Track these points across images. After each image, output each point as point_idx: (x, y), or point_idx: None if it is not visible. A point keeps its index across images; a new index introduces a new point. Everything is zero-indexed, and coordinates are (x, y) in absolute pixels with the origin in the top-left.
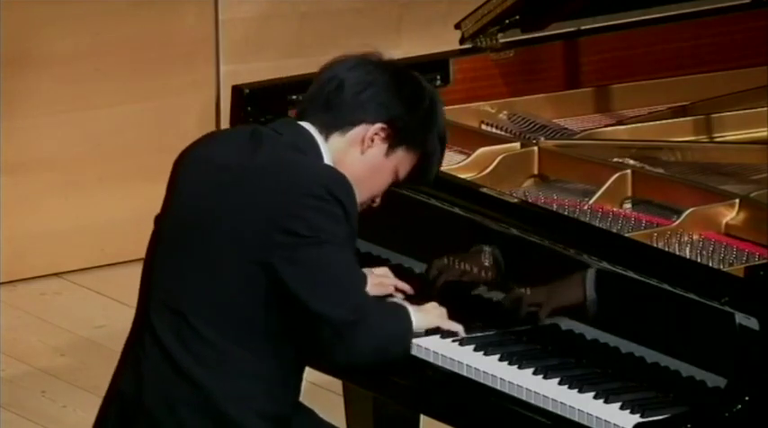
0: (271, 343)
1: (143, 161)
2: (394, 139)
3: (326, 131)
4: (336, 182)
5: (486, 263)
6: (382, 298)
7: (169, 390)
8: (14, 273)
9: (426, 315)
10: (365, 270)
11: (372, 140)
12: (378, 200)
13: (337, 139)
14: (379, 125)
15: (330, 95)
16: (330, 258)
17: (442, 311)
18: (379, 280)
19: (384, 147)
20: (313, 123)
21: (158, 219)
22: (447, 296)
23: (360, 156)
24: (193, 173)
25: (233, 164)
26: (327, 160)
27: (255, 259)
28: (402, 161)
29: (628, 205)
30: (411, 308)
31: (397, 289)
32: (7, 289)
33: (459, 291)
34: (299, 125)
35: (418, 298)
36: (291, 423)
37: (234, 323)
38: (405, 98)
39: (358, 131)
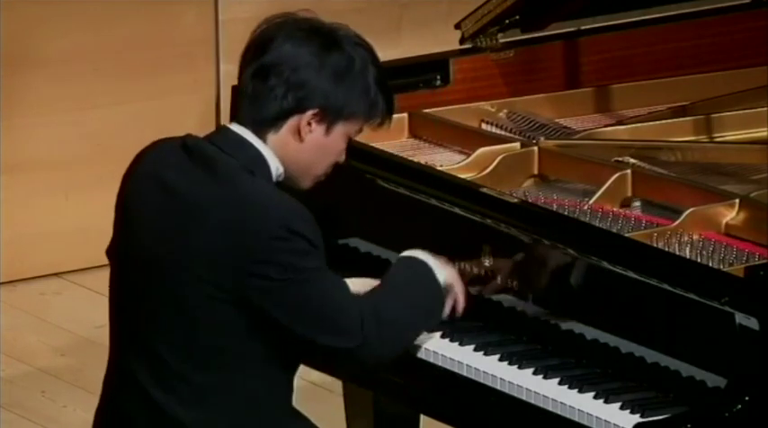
0: (253, 368)
1: None
2: (330, 118)
3: (261, 131)
4: (296, 218)
5: (487, 263)
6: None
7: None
8: (14, 273)
9: (444, 268)
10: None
11: (309, 125)
12: (341, 158)
13: (274, 137)
14: (309, 113)
15: (255, 87)
16: (317, 293)
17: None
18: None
19: (323, 127)
20: (246, 125)
21: (111, 251)
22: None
23: (301, 145)
24: (147, 199)
25: (188, 194)
26: (273, 165)
27: (226, 294)
28: (347, 128)
29: (637, 204)
30: (433, 259)
31: None
32: (7, 289)
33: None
34: (238, 135)
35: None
36: None
37: (210, 355)
38: (331, 74)
39: (291, 124)
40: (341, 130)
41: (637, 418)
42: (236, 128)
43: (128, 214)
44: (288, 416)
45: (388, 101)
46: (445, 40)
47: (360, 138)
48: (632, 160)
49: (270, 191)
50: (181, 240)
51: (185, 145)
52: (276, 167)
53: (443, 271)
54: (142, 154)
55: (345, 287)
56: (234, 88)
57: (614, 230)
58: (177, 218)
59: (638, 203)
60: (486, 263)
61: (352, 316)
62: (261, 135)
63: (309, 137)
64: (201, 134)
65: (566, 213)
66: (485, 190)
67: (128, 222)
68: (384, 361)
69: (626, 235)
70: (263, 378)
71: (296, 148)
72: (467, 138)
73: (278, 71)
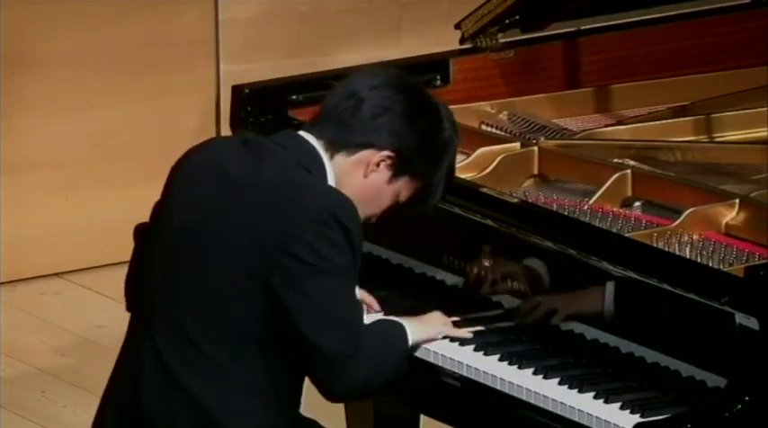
0: (268, 358)
1: (143, 161)
2: (399, 168)
3: (332, 149)
4: (343, 208)
5: (487, 263)
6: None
7: (168, 404)
8: (14, 273)
9: (428, 327)
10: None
11: (378, 165)
12: (374, 219)
13: (342, 159)
14: (386, 152)
15: (345, 113)
16: (333, 291)
17: (446, 321)
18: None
19: (388, 173)
20: (319, 137)
21: (147, 225)
22: (446, 295)
23: (362, 179)
24: (196, 178)
25: (239, 176)
26: (330, 179)
27: (257, 275)
28: (404, 188)
29: (637, 204)
30: (410, 322)
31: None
32: (7, 289)
33: (458, 291)
34: (303, 139)
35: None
36: None
37: (231, 337)
38: (419, 130)
39: (365, 154)
40: (400, 185)
41: (637, 418)
42: (304, 134)
43: (176, 189)
44: (293, 415)
45: (445, 190)
46: (445, 40)
47: None
48: (632, 160)
49: (323, 183)
50: (227, 211)
51: (245, 139)
52: (332, 178)
53: (420, 329)
54: (198, 145)
55: (359, 305)
56: (234, 88)
57: (614, 230)
58: (226, 192)
59: (638, 203)
60: (486, 262)
61: (352, 330)
62: (331, 152)
63: (373, 175)
64: (201, 134)
65: (566, 213)
66: (485, 190)
67: (174, 196)
68: (354, 386)
69: (626, 235)
70: (278, 373)
71: (356, 181)
72: (467, 138)
73: (374, 106)
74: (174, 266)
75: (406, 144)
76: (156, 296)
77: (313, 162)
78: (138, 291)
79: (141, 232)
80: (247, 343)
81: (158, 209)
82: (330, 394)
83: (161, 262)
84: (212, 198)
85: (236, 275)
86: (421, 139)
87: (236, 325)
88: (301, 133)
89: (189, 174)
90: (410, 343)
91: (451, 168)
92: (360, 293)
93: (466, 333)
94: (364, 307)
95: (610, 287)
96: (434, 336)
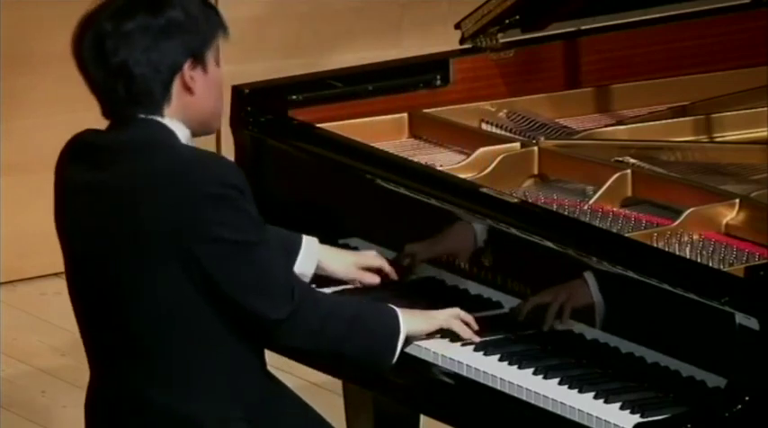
0: (220, 341)
1: None
2: (199, 62)
3: (156, 112)
4: (223, 170)
5: (487, 263)
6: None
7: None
8: (14, 273)
9: (430, 318)
10: (352, 252)
11: (192, 79)
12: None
13: (169, 108)
14: (185, 67)
15: (128, 90)
16: (261, 259)
17: (458, 314)
18: (365, 263)
19: (200, 69)
20: (133, 113)
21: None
22: (446, 295)
23: (195, 97)
24: (78, 205)
25: (114, 186)
26: (180, 133)
27: (180, 272)
28: (214, 55)
29: (637, 204)
30: (410, 313)
31: (381, 275)
32: (7, 289)
33: (458, 291)
34: (132, 123)
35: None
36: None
37: (177, 334)
38: (167, 29)
39: (175, 91)
40: (210, 59)
41: (637, 418)
42: (119, 125)
43: (66, 221)
44: (261, 392)
45: (212, 8)
46: (445, 40)
47: (360, 138)
48: (632, 160)
49: (186, 149)
50: (118, 230)
51: (84, 144)
52: (184, 134)
53: (418, 322)
54: (61, 160)
55: (283, 263)
56: (234, 88)
57: (614, 230)
58: (107, 212)
59: (638, 203)
60: (486, 263)
61: (285, 288)
62: (158, 113)
63: (197, 86)
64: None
65: (566, 213)
66: (485, 190)
67: (67, 227)
68: (295, 346)
69: (626, 235)
70: (234, 353)
71: (193, 104)
72: (467, 138)
73: (138, 65)
74: (95, 296)
75: (181, 47)
76: (96, 325)
77: (156, 134)
78: (78, 324)
79: None
80: (194, 334)
81: (60, 231)
82: (277, 344)
83: (81, 295)
84: (97, 217)
85: (160, 276)
86: (173, 29)
87: (178, 323)
88: (117, 127)
89: (66, 212)
90: (403, 328)
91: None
92: (379, 261)
93: (472, 335)
94: (379, 277)
95: (610, 287)
96: (437, 327)
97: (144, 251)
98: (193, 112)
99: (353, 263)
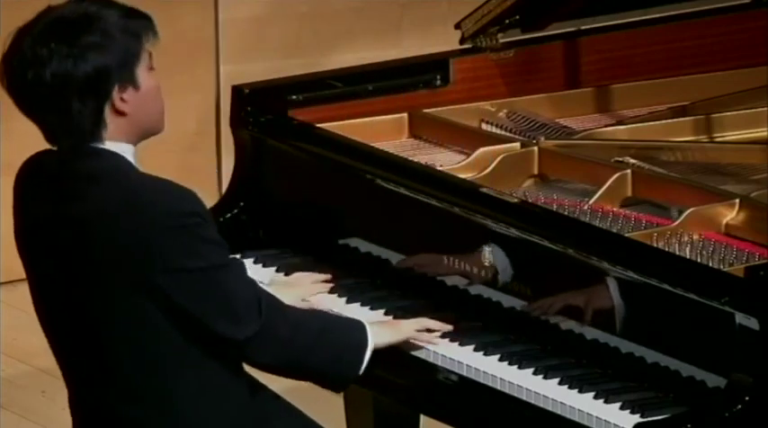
0: (194, 361)
1: (142, 161)
2: (127, 77)
3: (95, 140)
4: (180, 199)
5: (487, 263)
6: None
7: None
8: (14, 273)
9: (396, 329)
10: (291, 284)
11: (122, 100)
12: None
13: (107, 133)
14: (113, 92)
15: (60, 123)
16: (226, 282)
17: (421, 326)
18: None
19: (131, 88)
20: (76, 143)
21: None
22: (445, 295)
23: (129, 116)
24: (41, 239)
25: (72, 218)
26: (127, 152)
27: (147, 296)
28: (144, 66)
29: (637, 204)
30: (379, 325)
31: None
32: (7, 289)
33: (458, 291)
34: (91, 149)
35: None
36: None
37: (149, 356)
38: (91, 50)
39: (108, 117)
40: (141, 73)
41: (637, 418)
42: (61, 157)
43: (29, 263)
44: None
45: (136, 17)
46: (445, 40)
47: (360, 138)
48: (632, 160)
49: (138, 175)
50: (82, 261)
51: (39, 174)
52: (131, 153)
53: (385, 334)
54: (16, 197)
55: (251, 282)
56: (234, 88)
57: (614, 230)
58: (67, 246)
59: (638, 203)
60: (486, 262)
61: (251, 305)
62: (98, 141)
63: (129, 106)
64: (201, 134)
65: (566, 213)
66: (485, 190)
67: (28, 258)
68: (266, 361)
69: (626, 235)
70: (213, 369)
71: (129, 121)
72: (467, 138)
73: (54, 77)
74: (66, 323)
75: (103, 71)
76: (64, 351)
77: (107, 163)
78: (52, 348)
79: None
80: (170, 358)
81: (23, 258)
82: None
83: (49, 320)
84: (58, 251)
85: (128, 308)
86: (99, 51)
87: (152, 349)
88: (68, 155)
89: (30, 234)
90: (370, 341)
91: (120, 15)
92: (317, 286)
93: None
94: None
95: (610, 287)
96: (404, 338)
97: (108, 281)
98: (132, 128)
99: (299, 297)
